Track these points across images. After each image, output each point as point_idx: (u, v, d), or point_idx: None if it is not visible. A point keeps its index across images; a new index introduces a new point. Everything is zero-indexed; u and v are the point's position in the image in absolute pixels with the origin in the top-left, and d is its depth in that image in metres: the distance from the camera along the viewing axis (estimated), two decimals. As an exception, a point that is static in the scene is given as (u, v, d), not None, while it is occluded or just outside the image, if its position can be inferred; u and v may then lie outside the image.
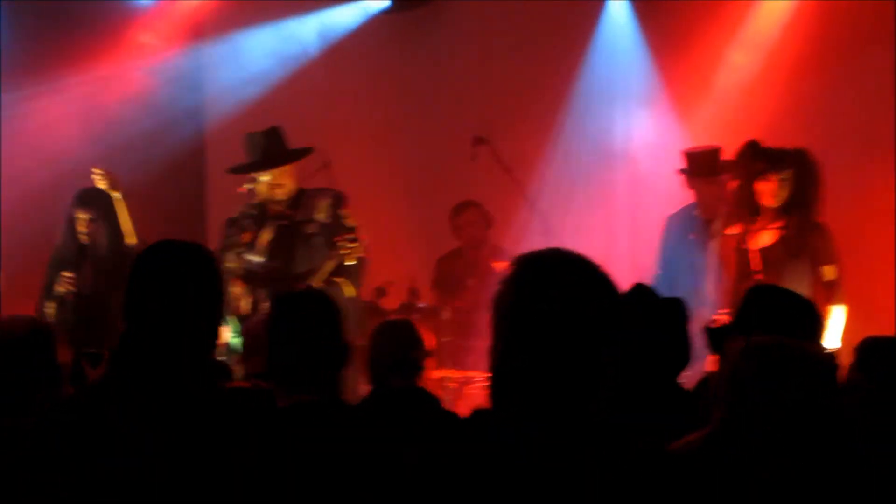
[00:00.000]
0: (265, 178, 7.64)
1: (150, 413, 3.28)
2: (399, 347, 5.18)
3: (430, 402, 5.10)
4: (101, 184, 7.93)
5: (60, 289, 7.85)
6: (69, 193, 8.12)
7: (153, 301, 3.39)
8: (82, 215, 7.93)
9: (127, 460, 3.23)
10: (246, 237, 7.64)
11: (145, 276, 3.44)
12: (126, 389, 3.34)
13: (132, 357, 3.38)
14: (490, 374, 2.47)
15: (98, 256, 7.88)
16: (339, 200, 7.67)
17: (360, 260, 7.40)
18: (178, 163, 10.11)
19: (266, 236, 7.65)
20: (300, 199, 7.69)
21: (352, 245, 7.24)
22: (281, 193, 7.65)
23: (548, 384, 2.38)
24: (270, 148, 7.69)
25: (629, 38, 10.11)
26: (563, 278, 2.42)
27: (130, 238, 7.86)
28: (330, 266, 7.28)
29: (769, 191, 6.89)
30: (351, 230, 7.38)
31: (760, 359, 2.91)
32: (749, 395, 2.90)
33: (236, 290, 7.55)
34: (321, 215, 7.61)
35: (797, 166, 6.89)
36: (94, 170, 7.99)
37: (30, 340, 4.19)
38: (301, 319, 3.84)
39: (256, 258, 7.58)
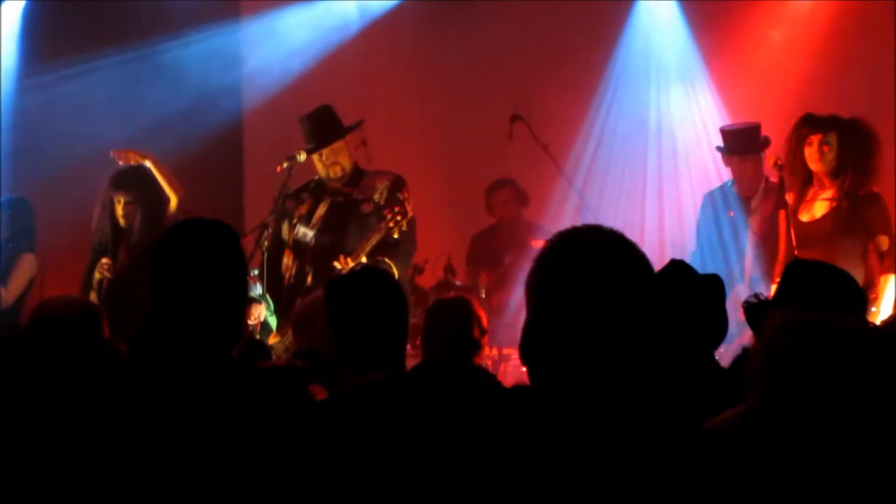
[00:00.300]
0: (320, 157, 7.62)
1: (173, 396, 3.28)
2: (459, 325, 5.17)
3: (489, 379, 5.11)
4: (131, 159, 7.87)
5: (97, 275, 7.78)
6: (104, 175, 8.06)
7: (179, 281, 3.39)
8: (120, 198, 7.84)
9: (148, 445, 3.24)
10: (302, 209, 7.64)
11: (169, 257, 3.44)
12: (150, 370, 3.35)
13: (158, 337, 3.38)
14: (522, 352, 2.46)
15: (135, 240, 7.78)
16: (397, 183, 7.66)
17: (406, 240, 7.35)
18: (216, 141, 10.12)
19: (321, 210, 7.65)
20: (359, 178, 7.69)
21: (399, 218, 7.21)
22: (336, 171, 7.64)
23: (580, 363, 2.36)
24: (317, 128, 7.67)
25: (667, 14, 10.06)
26: (594, 256, 2.40)
27: (172, 200, 7.77)
28: (375, 238, 7.26)
29: (813, 155, 6.83)
30: (402, 204, 7.36)
31: (799, 334, 2.84)
32: (787, 372, 2.82)
33: (286, 261, 7.56)
34: (378, 196, 7.59)
35: (841, 130, 6.80)
36: (112, 153, 7.91)
37: (76, 320, 4.18)
38: (371, 298, 3.68)
39: (309, 231, 7.57)
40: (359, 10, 10.42)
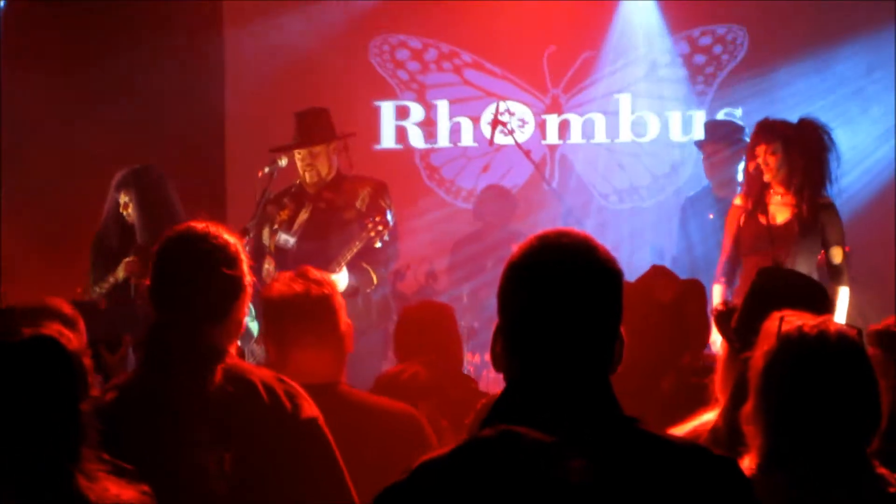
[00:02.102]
0: (298, 157, 7.54)
1: (193, 406, 3.30)
2: (426, 331, 5.12)
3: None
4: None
5: (122, 275, 7.64)
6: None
7: (181, 289, 3.39)
8: (123, 198, 7.78)
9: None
10: (283, 214, 7.55)
11: (169, 265, 3.43)
12: (164, 380, 3.36)
13: (165, 347, 3.39)
14: (492, 357, 2.40)
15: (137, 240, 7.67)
16: (379, 190, 7.53)
17: (387, 246, 7.28)
18: (197, 146, 10.09)
19: (303, 216, 7.57)
20: (341, 184, 7.58)
21: (381, 228, 7.14)
22: (313, 175, 7.56)
23: (550, 372, 2.31)
24: (303, 128, 7.60)
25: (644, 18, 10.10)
26: (558, 263, 2.34)
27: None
28: (356, 248, 7.19)
29: (763, 164, 6.81)
30: (383, 213, 7.29)
31: (803, 349, 2.79)
32: (785, 381, 2.78)
33: (267, 267, 7.48)
34: (360, 203, 7.51)
35: (786, 138, 6.76)
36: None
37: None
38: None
39: (290, 238, 7.50)
40: (343, 12, 10.37)
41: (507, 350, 2.36)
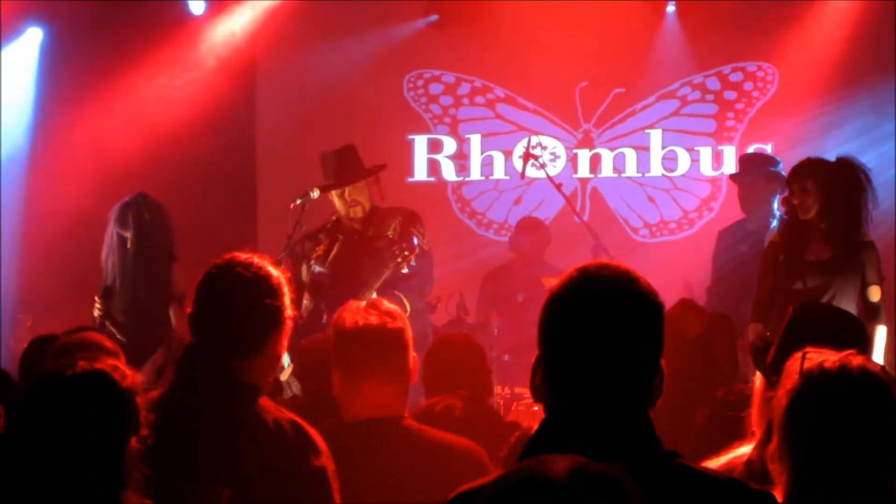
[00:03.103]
0: (340, 193, 7.59)
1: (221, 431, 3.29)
2: (458, 363, 5.11)
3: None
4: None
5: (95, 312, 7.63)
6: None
7: (218, 316, 3.41)
8: (123, 231, 7.78)
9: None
10: (319, 250, 7.60)
11: (210, 292, 3.45)
12: (183, 406, 3.35)
13: (193, 373, 3.40)
14: (532, 389, 2.43)
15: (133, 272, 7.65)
16: (411, 218, 7.64)
17: (418, 273, 7.31)
18: (230, 177, 10.15)
19: (337, 249, 7.65)
20: (373, 216, 7.66)
21: (407, 253, 7.19)
22: (357, 211, 7.62)
23: (591, 402, 2.33)
24: (342, 166, 7.66)
25: (675, 54, 10.14)
26: (602, 294, 2.36)
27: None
28: (386, 274, 7.23)
29: (797, 202, 6.80)
30: (410, 239, 7.34)
31: (825, 386, 2.77)
32: (808, 419, 2.76)
33: (305, 302, 7.52)
34: (392, 232, 7.56)
35: (818, 176, 6.74)
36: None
37: None
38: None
39: (324, 269, 7.54)
40: (368, 49, 10.43)
41: (546, 382, 2.37)
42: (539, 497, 1.79)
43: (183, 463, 3.27)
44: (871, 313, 6.71)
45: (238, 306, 3.41)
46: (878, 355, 6.62)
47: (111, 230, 7.70)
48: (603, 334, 2.32)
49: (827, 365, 2.77)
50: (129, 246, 7.59)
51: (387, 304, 4.04)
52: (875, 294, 6.72)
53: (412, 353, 4.02)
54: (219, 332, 3.40)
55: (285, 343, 3.53)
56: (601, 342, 2.32)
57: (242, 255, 3.49)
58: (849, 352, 2.82)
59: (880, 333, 6.71)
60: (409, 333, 4.02)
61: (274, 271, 3.49)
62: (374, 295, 7.06)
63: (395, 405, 3.93)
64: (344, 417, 3.94)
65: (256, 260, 3.48)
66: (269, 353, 3.46)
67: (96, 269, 7.78)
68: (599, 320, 2.33)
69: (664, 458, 2.32)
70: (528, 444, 2.35)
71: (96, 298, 7.54)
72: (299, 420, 3.43)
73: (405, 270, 7.21)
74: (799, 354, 2.88)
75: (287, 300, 3.48)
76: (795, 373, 2.82)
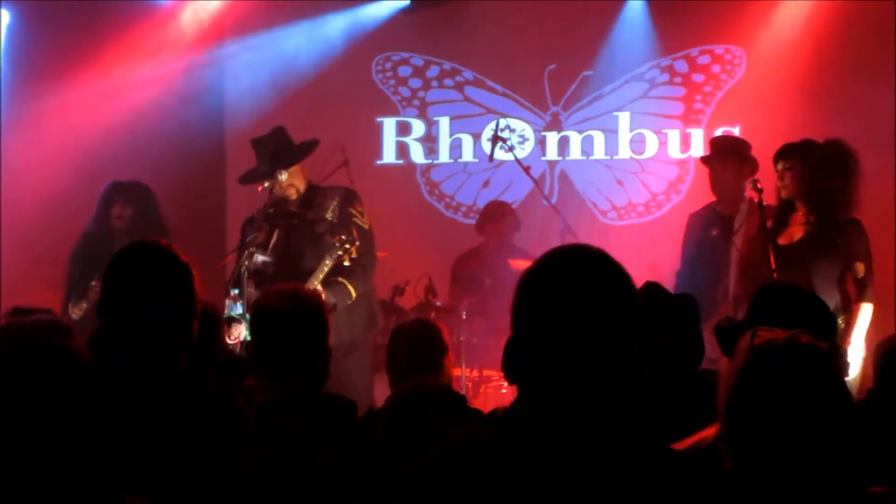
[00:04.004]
0: (279, 178, 7.53)
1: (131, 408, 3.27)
2: (419, 347, 5.13)
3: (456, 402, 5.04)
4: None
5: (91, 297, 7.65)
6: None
7: (126, 299, 3.43)
8: (118, 204, 7.82)
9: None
10: (260, 237, 7.47)
11: (118, 276, 3.49)
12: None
13: (107, 352, 3.37)
14: (504, 370, 2.44)
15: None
16: (348, 198, 7.51)
17: (362, 255, 7.24)
18: (198, 164, 10.11)
19: (277, 235, 7.56)
20: (313, 197, 7.54)
21: (348, 246, 7.11)
22: (292, 192, 7.51)
23: (569, 381, 2.35)
24: (275, 149, 7.59)
25: (643, 37, 10.14)
26: (579, 275, 2.39)
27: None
28: (328, 267, 7.15)
29: (780, 181, 6.81)
30: (349, 230, 7.26)
31: (767, 359, 2.80)
32: (755, 396, 2.79)
33: (251, 291, 7.45)
34: (331, 214, 7.47)
35: (802, 156, 6.76)
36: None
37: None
38: None
39: (265, 257, 7.44)
40: (341, 33, 10.41)
41: (520, 363, 2.39)
42: None
43: None
44: (857, 291, 6.70)
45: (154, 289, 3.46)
46: (861, 333, 6.63)
47: (102, 212, 7.76)
48: (577, 315, 2.35)
49: (775, 343, 2.81)
50: (125, 226, 7.76)
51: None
52: (859, 271, 6.71)
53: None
54: (139, 320, 3.43)
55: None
56: (576, 322, 2.34)
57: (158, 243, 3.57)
58: (797, 330, 2.85)
59: (864, 311, 6.70)
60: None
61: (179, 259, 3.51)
62: (319, 286, 7.04)
63: None
64: None
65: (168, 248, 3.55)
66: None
67: (68, 250, 7.84)
68: (574, 301, 2.35)
69: (639, 436, 2.34)
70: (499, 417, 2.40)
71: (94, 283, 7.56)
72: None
73: (347, 264, 7.14)
74: (749, 333, 2.91)
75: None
76: (745, 351, 2.86)
